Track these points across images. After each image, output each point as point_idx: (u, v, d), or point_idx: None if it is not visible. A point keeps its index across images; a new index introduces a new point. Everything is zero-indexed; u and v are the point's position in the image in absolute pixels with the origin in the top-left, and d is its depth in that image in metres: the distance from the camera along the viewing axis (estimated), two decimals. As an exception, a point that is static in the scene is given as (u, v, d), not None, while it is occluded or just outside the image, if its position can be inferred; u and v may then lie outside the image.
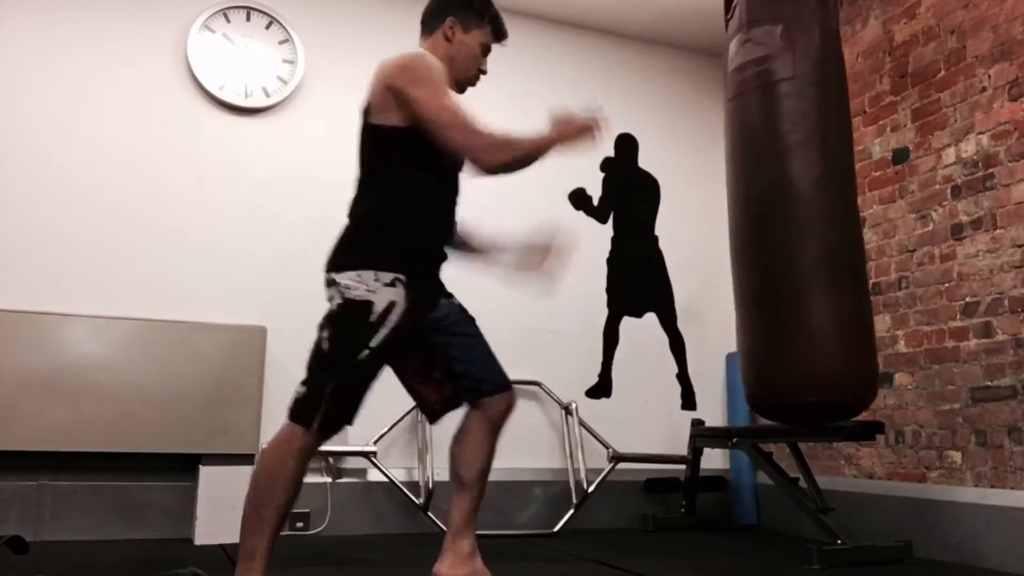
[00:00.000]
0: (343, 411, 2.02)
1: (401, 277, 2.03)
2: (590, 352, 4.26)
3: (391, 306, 2.00)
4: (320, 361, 2.00)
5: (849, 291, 3.04)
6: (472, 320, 2.25)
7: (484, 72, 2.31)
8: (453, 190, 2.22)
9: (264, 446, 1.99)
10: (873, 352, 3.11)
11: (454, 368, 2.19)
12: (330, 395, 1.97)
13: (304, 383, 2.00)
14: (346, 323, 2.00)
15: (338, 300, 2.01)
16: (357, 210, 2.14)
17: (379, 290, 2.00)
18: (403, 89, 2.02)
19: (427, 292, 2.14)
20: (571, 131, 2.05)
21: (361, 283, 2.00)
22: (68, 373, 3.22)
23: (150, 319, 3.42)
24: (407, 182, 2.10)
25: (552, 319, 4.19)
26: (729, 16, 3.38)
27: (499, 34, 2.31)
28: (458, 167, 2.21)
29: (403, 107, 2.03)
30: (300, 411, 1.98)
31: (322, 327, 2.02)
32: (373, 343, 1.99)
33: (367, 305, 1.99)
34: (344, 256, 2.07)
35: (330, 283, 2.05)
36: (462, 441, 2.23)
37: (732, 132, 3.28)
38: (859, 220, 3.21)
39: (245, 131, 3.82)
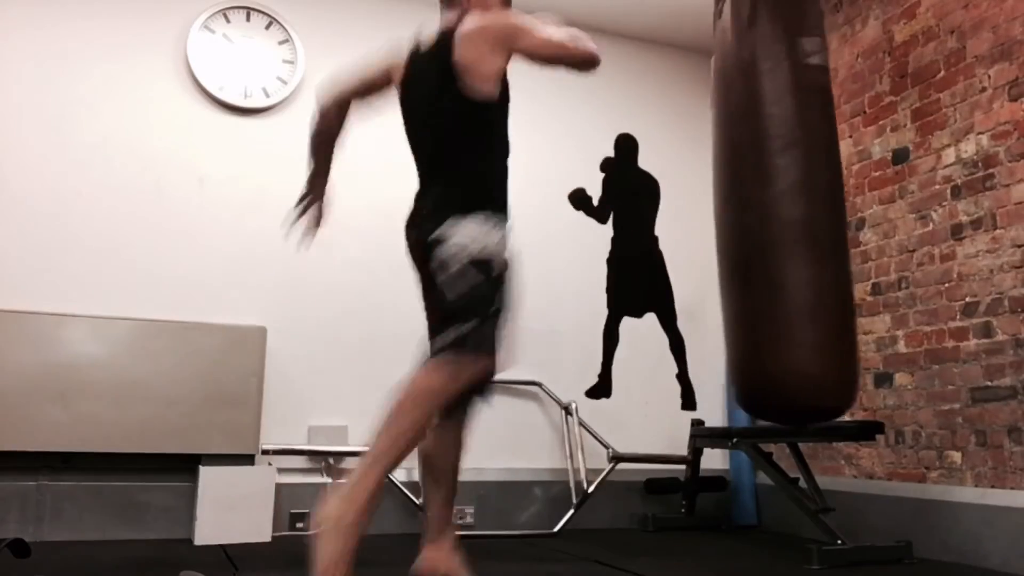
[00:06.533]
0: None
1: (504, 229, 2.19)
2: (590, 352, 4.26)
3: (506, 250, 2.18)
4: (483, 297, 2.07)
5: (823, 291, 3.05)
6: None
7: None
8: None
9: (416, 381, 2.06)
10: (854, 358, 3.12)
11: None
12: (496, 323, 2.08)
13: (471, 318, 2.05)
14: (492, 264, 2.11)
15: (475, 246, 2.09)
16: (462, 167, 2.21)
17: (498, 232, 2.15)
18: (521, 48, 2.18)
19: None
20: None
21: (485, 225, 2.12)
22: (68, 373, 3.22)
23: (150, 319, 3.42)
24: (498, 151, 2.26)
25: (552, 319, 4.19)
26: (718, 15, 3.39)
27: None
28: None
29: (501, 74, 2.19)
30: (479, 342, 2.04)
31: (468, 269, 2.08)
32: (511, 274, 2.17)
33: (501, 246, 2.14)
34: (464, 204, 2.15)
35: (444, 236, 2.11)
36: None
37: (713, 132, 3.36)
38: (844, 223, 3.20)
39: (245, 131, 3.82)
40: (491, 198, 2.19)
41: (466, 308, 2.06)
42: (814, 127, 3.11)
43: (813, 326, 3.00)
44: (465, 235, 2.10)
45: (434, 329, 2.20)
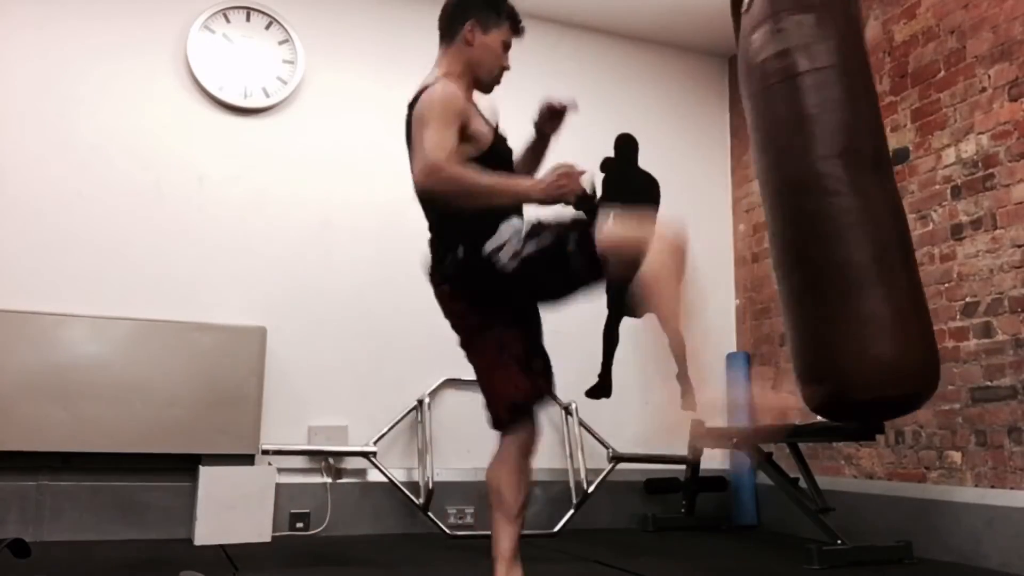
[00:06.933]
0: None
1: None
2: (590, 352, 4.25)
3: None
4: None
5: (901, 279, 2.82)
6: None
7: (507, 68, 2.32)
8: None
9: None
10: (932, 343, 2.85)
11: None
12: None
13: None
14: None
15: None
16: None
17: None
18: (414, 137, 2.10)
19: None
20: (563, 187, 2.02)
21: None
22: (68, 373, 3.22)
23: (150, 319, 3.42)
24: None
25: (552, 320, 4.18)
26: (745, 8, 3.22)
27: (517, 29, 2.32)
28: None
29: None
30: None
31: None
32: None
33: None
34: None
35: None
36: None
37: (760, 125, 3.09)
38: (901, 206, 3.00)
39: (245, 131, 3.82)
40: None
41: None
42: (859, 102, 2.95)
43: (889, 312, 2.75)
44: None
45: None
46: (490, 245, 2.09)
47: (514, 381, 2.14)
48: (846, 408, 2.86)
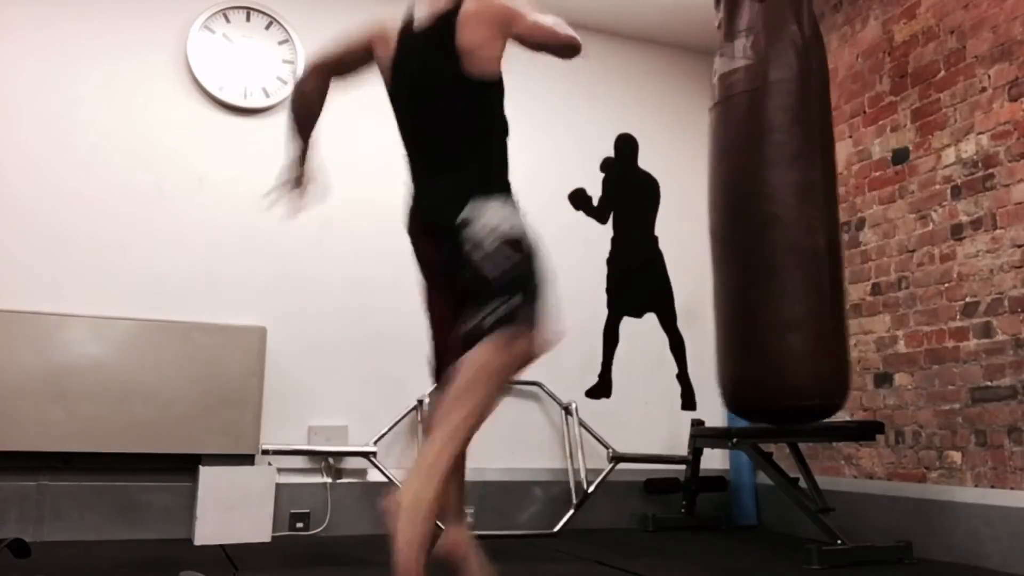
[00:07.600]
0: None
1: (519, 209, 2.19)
2: (590, 352, 4.26)
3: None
4: (524, 274, 2.06)
5: (820, 294, 3.10)
6: None
7: None
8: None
9: (479, 359, 1.97)
10: (845, 359, 3.16)
11: None
12: (538, 299, 2.07)
13: (516, 293, 2.02)
14: (522, 243, 2.08)
15: (505, 226, 2.06)
16: (475, 150, 2.20)
17: (518, 212, 2.15)
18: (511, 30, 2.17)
19: None
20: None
21: (506, 206, 2.12)
22: (68, 373, 3.22)
23: (150, 319, 3.42)
24: (501, 132, 2.23)
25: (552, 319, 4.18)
26: (717, 26, 3.43)
27: None
28: None
29: (498, 54, 2.18)
30: (529, 317, 2.02)
31: (503, 247, 2.05)
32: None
33: (524, 225, 2.12)
34: (483, 186, 2.14)
35: (472, 218, 2.07)
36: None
37: (711, 140, 3.39)
38: (839, 228, 3.24)
39: (245, 131, 3.82)
40: (504, 179, 2.19)
41: (511, 284, 2.03)
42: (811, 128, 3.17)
43: (802, 329, 3.06)
44: (493, 216, 2.07)
45: (457, 313, 2.12)
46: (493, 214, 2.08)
47: None
48: (767, 413, 3.22)
